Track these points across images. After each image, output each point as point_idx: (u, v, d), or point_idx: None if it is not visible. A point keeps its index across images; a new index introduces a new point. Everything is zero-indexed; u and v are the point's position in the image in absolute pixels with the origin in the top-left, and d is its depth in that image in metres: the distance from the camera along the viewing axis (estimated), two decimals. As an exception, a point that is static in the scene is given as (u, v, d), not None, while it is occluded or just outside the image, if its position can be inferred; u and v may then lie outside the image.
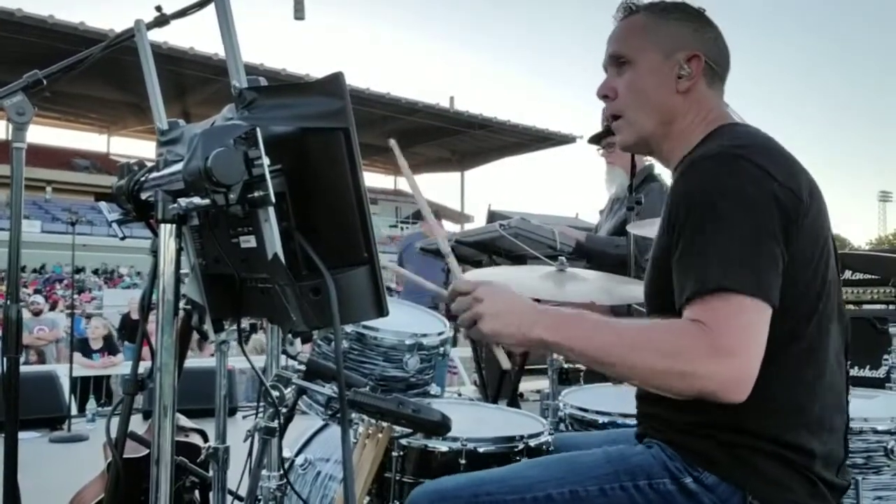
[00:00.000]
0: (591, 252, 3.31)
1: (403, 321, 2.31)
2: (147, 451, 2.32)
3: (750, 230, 1.25)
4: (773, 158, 1.33)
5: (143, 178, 1.20)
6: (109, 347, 8.81)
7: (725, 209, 1.26)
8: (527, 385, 5.82)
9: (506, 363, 1.63)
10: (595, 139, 3.60)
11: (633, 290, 2.29)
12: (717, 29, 1.52)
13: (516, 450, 1.77)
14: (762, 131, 1.45)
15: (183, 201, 1.02)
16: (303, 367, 1.84)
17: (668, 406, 1.37)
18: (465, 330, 1.44)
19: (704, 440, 1.34)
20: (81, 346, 8.55)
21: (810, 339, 1.32)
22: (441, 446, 1.77)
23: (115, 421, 1.26)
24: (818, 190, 1.38)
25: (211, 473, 2.08)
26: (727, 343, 1.20)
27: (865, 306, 4.11)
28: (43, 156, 39.87)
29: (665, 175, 3.48)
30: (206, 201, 1.00)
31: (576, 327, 1.34)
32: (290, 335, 1.64)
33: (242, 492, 1.96)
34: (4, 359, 1.85)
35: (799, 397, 1.32)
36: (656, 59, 1.49)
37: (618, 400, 2.05)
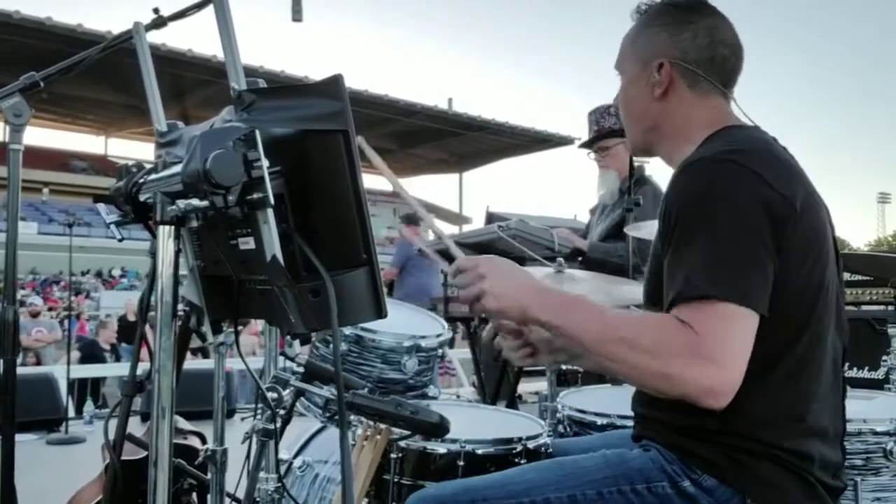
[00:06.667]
0: (592, 261, 3.35)
1: (402, 323, 2.31)
2: (145, 452, 2.32)
3: (739, 236, 1.25)
4: (769, 164, 1.32)
5: (141, 180, 1.20)
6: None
7: (715, 214, 1.26)
8: (525, 387, 5.82)
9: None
10: (587, 144, 3.63)
11: (631, 291, 2.29)
12: (703, 24, 1.48)
13: (515, 451, 1.76)
14: (764, 135, 1.44)
15: (181, 203, 1.02)
16: (301, 369, 1.84)
17: (665, 408, 1.37)
18: (467, 304, 1.44)
19: (703, 443, 1.33)
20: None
21: (805, 346, 1.32)
22: (440, 448, 1.76)
23: (114, 423, 1.26)
24: (817, 198, 1.37)
25: (209, 476, 2.08)
26: (707, 349, 1.20)
27: (864, 307, 4.10)
28: (40, 157, 39.82)
29: (657, 177, 3.52)
30: (205, 203, 1.00)
31: (573, 313, 1.34)
32: (288, 337, 1.64)
33: (240, 494, 1.96)
34: (1, 360, 1.85)
35: (795, 405, 1.31)
36: (636, 71, 1.54)
37: (616, 401, 2.04)
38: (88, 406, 6.66)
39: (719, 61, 1.48)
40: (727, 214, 1.26)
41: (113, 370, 8.90)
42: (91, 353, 9.41)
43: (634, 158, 3.14)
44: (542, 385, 3.84)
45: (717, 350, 1.20)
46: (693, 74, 1.47)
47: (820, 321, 1.33)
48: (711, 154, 1.34)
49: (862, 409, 1.86)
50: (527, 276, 1.42)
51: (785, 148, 1.44)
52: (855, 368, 3.88)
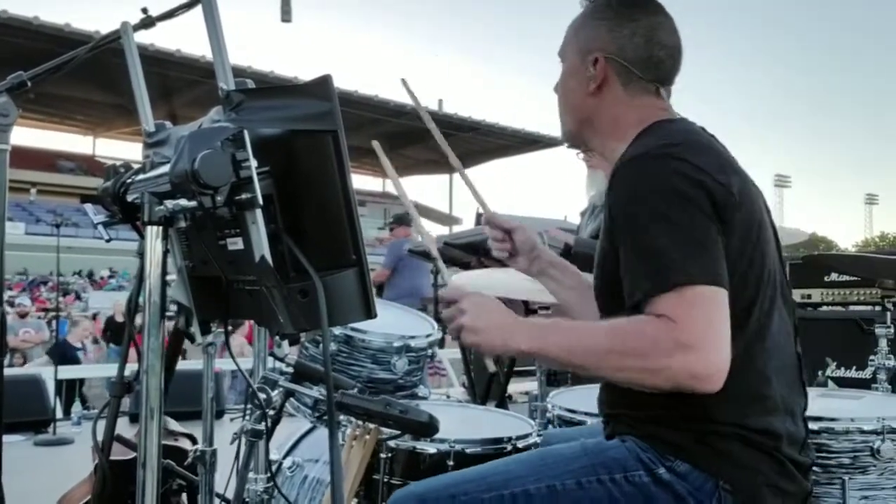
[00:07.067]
0: (579, 255, 3.33)
1: (391, 323, 2.31)
2: (134, 453, 2.30)
3: (691, 221, 1.27)
4: (702, 154, 1.34)
5: (129, 180, 1.19)
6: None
7: (661, 207, 1.28)
8: (515, 387, 5.82)
9: (491, 367, 1.66)
10: None
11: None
12: (644, 22, 1.48)
13: (504, 451, 1.77)
14: (695, 126, 1.47)
15: (169, 203, 1.02)
16: (290, 370, 1.84)
17: (631, 405, 1.39)
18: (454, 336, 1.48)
19: (673, 430, 1.35)
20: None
21: (754, 327, 1.34)
22: (429, 448, 1.77)
23: (102, 424, 1.25)
24: (751, 186, 1.40)
25: (198, 476, 2.07)
26: (687, 336, 1.21)
27: (852, 307, 4.13)
28: (27, 157, 39.53)
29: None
30: (193, 203, 0.99)
31: (551, 334, 1.37)
32: (277, 337, 1.63)
33: (230, 494, 1.96)
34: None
35: (754, 384, 1.34)
36: (576, 62, 1.54)
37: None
38: (76, 407, 6.61)
39: (655, 63, 1.48)
40: (672, 204, 1.27)
41: (101, 371, 8.84)
42: (63, 354, 9.23)
43: None
44: (532, 385, 3.85)
45: (697, 335, 1.22)
46: (627, 73, 1.48)
47: (766, 300, 1.36)
48: (645, 150, 1.36)
49: (850, 408, 1.88)
50: (505, 311, 1.44)
51: (713, 136, 1.47)
52: (843, 368, 3.91)
